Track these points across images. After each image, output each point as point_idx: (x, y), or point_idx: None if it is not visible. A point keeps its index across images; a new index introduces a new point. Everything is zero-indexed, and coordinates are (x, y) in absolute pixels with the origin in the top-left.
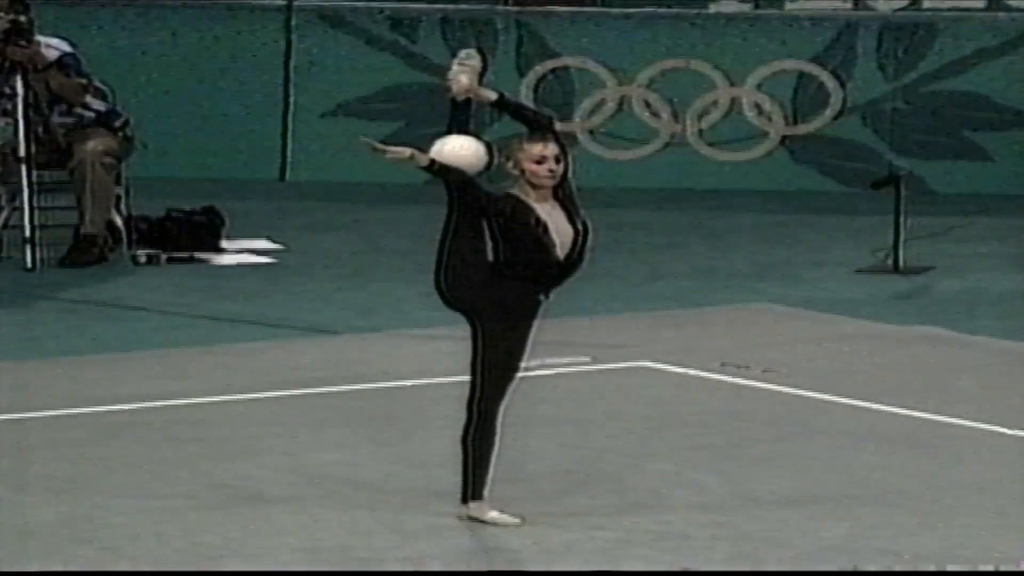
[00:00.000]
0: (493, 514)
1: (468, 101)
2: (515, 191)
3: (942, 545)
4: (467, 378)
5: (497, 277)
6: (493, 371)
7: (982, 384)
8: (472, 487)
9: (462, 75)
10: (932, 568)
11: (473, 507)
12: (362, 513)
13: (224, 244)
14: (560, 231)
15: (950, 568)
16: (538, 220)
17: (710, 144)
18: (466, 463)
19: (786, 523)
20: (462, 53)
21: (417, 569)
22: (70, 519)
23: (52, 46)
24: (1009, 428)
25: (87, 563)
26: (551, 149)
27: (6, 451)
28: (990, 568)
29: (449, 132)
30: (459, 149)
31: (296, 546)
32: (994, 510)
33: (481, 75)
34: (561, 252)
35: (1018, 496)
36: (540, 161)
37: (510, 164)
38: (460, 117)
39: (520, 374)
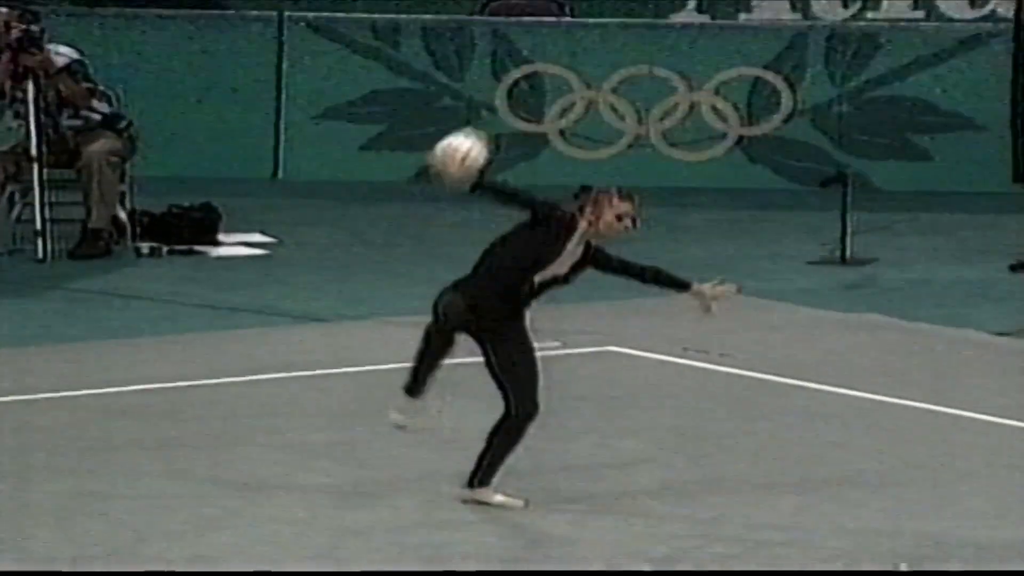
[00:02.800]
0: (499, 498)
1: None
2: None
3: (887, 517)
4: (451, 360)
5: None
6: (507, 372)
7: (923, 367)
8: (482, 476)
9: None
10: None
11: (479, 492)
12: (348, 488)
13: (221, 237)
14: (561, 265)
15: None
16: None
17: (671, 144)
18: (484, 454)
19: (742, 495)
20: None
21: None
22: (77, 493)
23: (61, 53)
24: (948, 407)
25: (92, 535)
26: (634, 211)
27: (17, 430)
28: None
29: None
30: (452, 148)
31: (289, 518)
32: (932, 483)
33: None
34: (540, 277)
35: (956, 471)
36: (621, 218)
37: (588, 209)
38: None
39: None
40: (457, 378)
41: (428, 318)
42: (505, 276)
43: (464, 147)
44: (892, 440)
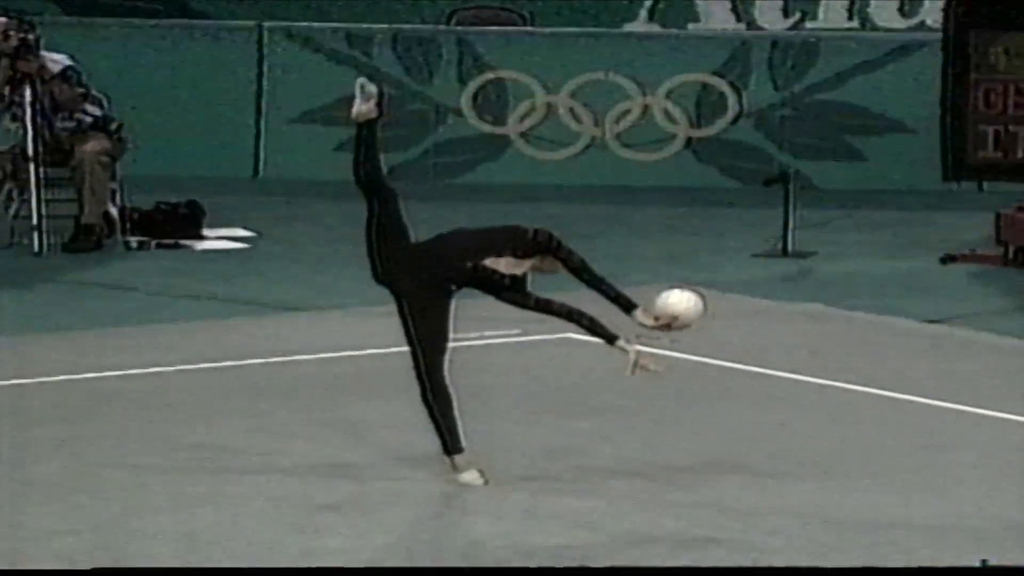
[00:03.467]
0: (465, 476)
1: (371, 124)
2: None
3: (824, 493)
4: (408, 349)
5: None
6: (425, 343)
7: (859, 353)
8: (449, 440)
9: (363, 104)
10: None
11: (458, 460)
12: (323, 466)
13: (205, 232)
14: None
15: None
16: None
17: (625, 146)
18: (434, 419)
19: (690, 473)
20: (360, 81)
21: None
22: (68, 474)
23: (56, 60)
24: (882, 390)
25: (84, 511)
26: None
27: (11, 413)
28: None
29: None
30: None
31: (269, 494)
32: (866, 462)
33: (380, 102)
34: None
35: (889, 449)
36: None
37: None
38: (366, 139)
39: (450, 344)
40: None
41: (394, 307)
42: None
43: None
44: (830, 421)
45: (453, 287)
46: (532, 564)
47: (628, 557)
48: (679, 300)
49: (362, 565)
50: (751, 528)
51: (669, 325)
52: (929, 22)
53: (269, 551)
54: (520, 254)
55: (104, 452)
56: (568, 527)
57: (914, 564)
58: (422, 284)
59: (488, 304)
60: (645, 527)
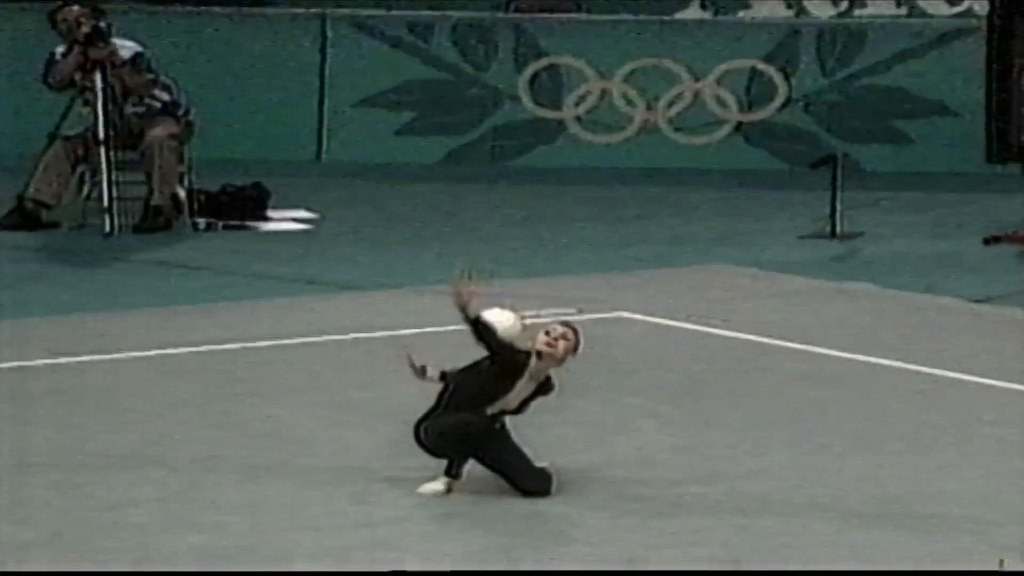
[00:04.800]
0: (428, 487)
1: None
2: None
3: (869, 469)
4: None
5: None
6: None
7: (904, 331)
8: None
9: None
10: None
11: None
12: (384, 441)
13: (270, 214)
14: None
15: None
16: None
17: (677, 130)
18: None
19: (738, 447)
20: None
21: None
22: (139, 447)
23: (126, 47)
24: (926, 368)
25: (153, 484)
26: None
27: (92, 388)
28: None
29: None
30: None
31: (332, 467)
32: (910, 438)
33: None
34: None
35: (933, 426)
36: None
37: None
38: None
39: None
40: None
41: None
42: (464, 408)
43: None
44: (875, 398)
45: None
46: (584, 535)
47: (679, 524)
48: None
49: (422, 535)
50: (800, 502)
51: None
52: (976, 8)
53: (330, 520)
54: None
55: (174, 426)
56: (619, 499)
57: (956, 536)
58: None
59: (546, 285)
60: (697, 499)
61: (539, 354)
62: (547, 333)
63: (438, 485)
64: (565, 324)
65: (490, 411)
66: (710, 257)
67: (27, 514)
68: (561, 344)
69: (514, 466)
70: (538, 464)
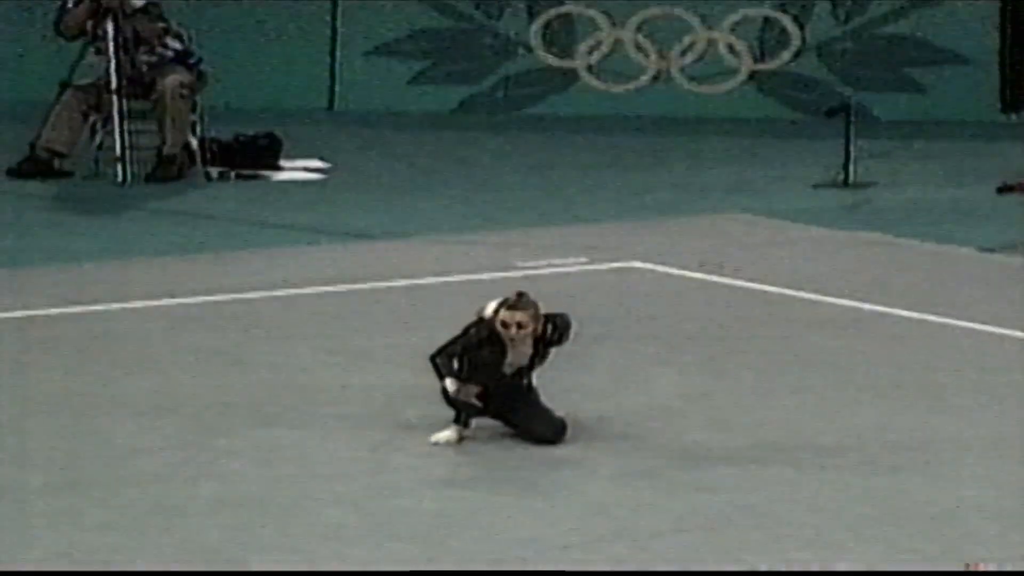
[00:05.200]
0: (441, 435)
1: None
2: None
3: (879, 416)
4: (480, 277)
5: None
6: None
7: (916, 280)
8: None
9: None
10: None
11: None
12: (396, 389)
13: (282, 163)
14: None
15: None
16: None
17: (690, 79)
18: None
19: (751, 390)
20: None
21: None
22: (153, 394)
23: None
24: (939, 316)
25: (168, 430)
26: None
27: (104, 336)
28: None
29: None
30: None
31: (345, 415)
32: (922, 385)
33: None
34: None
35: (944, 373)
36: (506, 326)
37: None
38: None
39: None
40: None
41: (466, 236)
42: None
43: None
44: (887, 346)
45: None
46: (597, 482)
47: (692, 472)
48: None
49: (435, 482)
50: (812, 448)
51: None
52: None
53: (344, 467)
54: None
55: (187, 373)
56: (632, 446)
57: (967, 483)
58: None
59: (557, 233)
60: (710, 446)
61: (503, 324)
62: (505, 316)
63: (450, 433)
64: (520, 302)
65: (507, 371)
66: (723, 206)
67: (39, 461)
68: (515, 331)
69: (531, 417)
70: (557, 414)
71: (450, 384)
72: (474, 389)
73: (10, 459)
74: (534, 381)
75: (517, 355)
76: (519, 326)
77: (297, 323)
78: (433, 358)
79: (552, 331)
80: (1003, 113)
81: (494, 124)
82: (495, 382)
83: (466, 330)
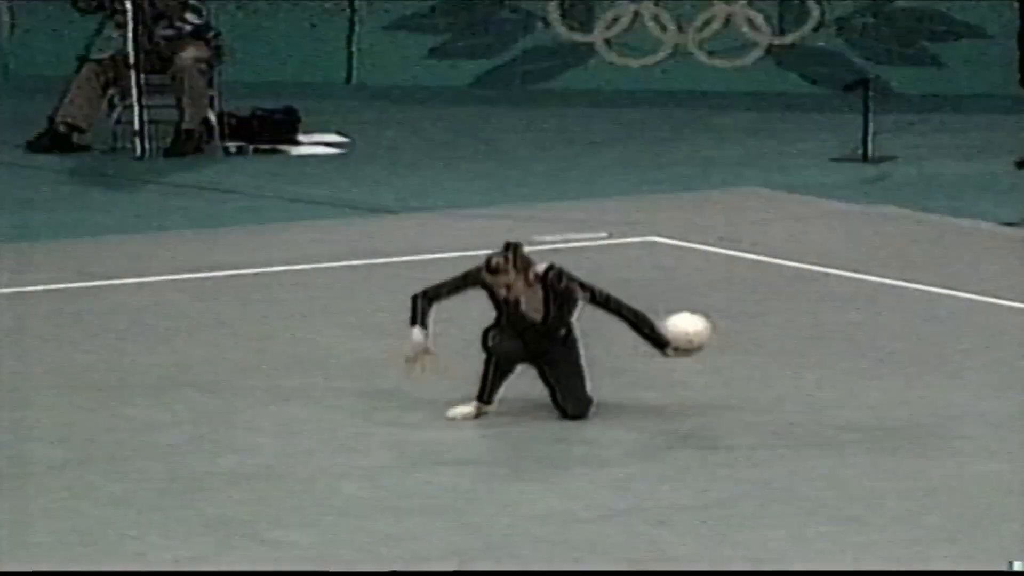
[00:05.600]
0: (457, 410)
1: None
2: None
3: (899, 390)
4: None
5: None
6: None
7: (935, 254)
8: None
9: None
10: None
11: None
12: None
13: (300, 137)
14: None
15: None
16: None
17: (709, 53)
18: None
19: (769, 364)
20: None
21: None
22: (171, 368)
23: None
24: (958, 291)
25: (185, 405)
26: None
27: (124, 310)
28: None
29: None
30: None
31: (360, 390)
32: (941, 360)
33: None
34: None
35: (963, 348)
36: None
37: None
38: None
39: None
40: None
41: (484, 210)
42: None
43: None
44: (906, 321)
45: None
46: (616, 457)
47: (710, 447)
48: (689, 322)
49: (451, 457)
50: (830, 423)
51: (688, 350)
52: None
53: (361, 442)
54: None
55: (205, 348)
56: (651, 422)
57: (985, 460)
58: None
59: (576, 208)
60: (727, 421)
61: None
62: (489, 280)
63: (468, 408)
64: (499, 265)
65: (533, 316)
66: (741, 180)
67: (60, 434)
68: (506, 291)
69: (564, 384)
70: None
71: (416, 333)
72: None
73: (28, 433)
74: (577, 333)
75: (529, 304)
76: (507, 288)
77: (316, 298)
78: (415, 297)
79: (552, 277)
80: (1021, 87)
81: (512, 99)
82: (525, 328)
83: (465, 274)
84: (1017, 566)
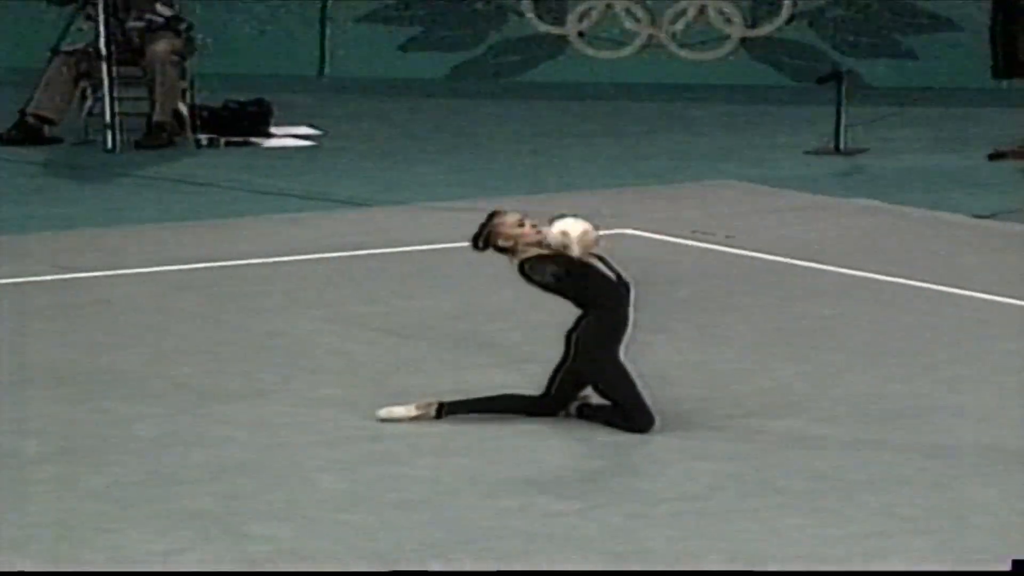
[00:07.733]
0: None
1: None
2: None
3: (874, 382)
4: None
5: None
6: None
7: (909, 247)
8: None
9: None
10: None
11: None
12: (391, 356)
13: (272, 130)
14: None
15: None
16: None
17: (681, 45)
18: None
19: (744, 357)
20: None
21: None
22: (148, 362)
23: None
24: (931, 283)
25: (162, 398)
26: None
27: (96, 303)
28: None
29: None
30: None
31: (337, 382)
32: (915, 352)
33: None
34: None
35: (938, 340)
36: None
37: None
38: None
39: None
40: None
41: (461, 203)
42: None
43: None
44: (882, 313)
45: None
46: (592, 450)
47: (687, 438)
48: (568, 223)
49: (428, 450)
50: (806, 416)
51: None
52: None
53: (339, 434)
54: None
55: (181, 341)
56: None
57: (962, 445)
58: None
59: (550, 201)
60: (703, 414)
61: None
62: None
63: (402, 410)
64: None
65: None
66: (715, 173)
67: (34, 428)
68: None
69: (625, 400)
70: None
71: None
72: None
73: (3, 426)
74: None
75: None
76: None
77: (291, 290)
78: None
79: (527, 272)
80: (995, 79)
81: (485, 91)
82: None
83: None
84: None
